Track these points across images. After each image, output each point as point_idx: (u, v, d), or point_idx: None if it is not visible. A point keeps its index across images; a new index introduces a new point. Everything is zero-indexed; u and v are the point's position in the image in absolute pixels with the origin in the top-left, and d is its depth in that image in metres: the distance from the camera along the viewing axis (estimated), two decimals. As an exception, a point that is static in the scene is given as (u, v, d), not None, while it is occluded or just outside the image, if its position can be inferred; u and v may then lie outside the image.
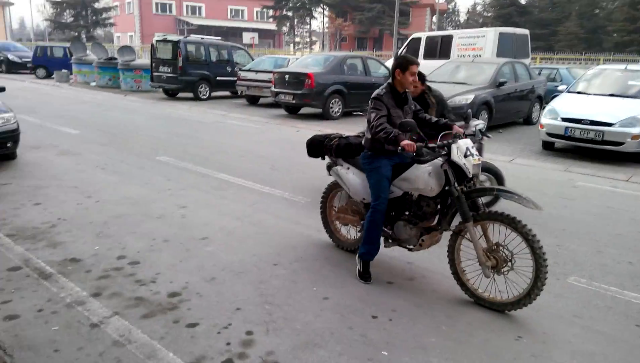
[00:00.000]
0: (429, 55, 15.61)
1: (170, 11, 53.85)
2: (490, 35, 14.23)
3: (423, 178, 3.59)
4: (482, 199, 3.63)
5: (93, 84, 19.49)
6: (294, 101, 12.25)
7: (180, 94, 16.34)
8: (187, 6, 54.69)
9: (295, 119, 12.25)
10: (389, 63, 17.12)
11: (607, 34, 44.86)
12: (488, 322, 3.33)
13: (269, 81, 13.16)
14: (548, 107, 8.58)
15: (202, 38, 16.57)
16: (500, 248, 3.43)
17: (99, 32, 58.34)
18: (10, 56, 24.49)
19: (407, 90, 3.88)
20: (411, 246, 3.86)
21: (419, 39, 16.17)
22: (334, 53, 14.17)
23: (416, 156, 3.48)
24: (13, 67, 24.19)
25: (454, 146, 3.45)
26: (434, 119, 4.01)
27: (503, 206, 4.80)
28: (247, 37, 53.04)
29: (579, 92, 8.90)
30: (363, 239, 3.85)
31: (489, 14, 52.44)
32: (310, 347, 2.96)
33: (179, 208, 5.42)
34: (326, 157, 4.43)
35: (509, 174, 7.35)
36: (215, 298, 3.51)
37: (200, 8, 55.65)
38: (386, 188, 3.72)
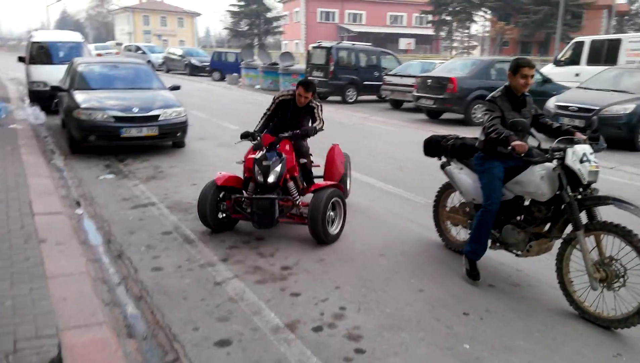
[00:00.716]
0: (593, 60, 14.25)
1: (334, 19, 56.62)
2: (669, 39, 12.51)
3: (535, 181, 3.56)
4: (599, 210, 3.46)
5: (257, 86, 21.56)
6: (434, 106, 12.22)
7: (330, 98, 17.28)
8: (348, 14, 56.98)
9: (435, 124, 12.21)
10: (547, 69, 16.02)
11: None
12: (587, 335, 3.20)
13: (413, 86, 13.29)
14: None
15: (353, 44, 17.34)
16: (613, 262, 3.26)
17: (270, 39, 63.78)
18: (193, 60, 28.26)
19: (525, 94, 3.85)
20: (519, 252, 3.82)
21: (582, 42, 14.83)
22: (482, 57, 13.73)
23: (526, 156, 3.45)
24: (194, 70, 27.87)
25: (569, 150, 3.38)
26: (556, 124, 3.92)
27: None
28: (403, 43, 53.48)
29: None
30: (470, 237, 3.93)
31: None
32: (394, 329, 3.19)
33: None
34: (442, 157, 4.54)
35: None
36: (320, 275, 3.92)
37: (361, 15, 57.56)
38: (498, 189, 3.74)
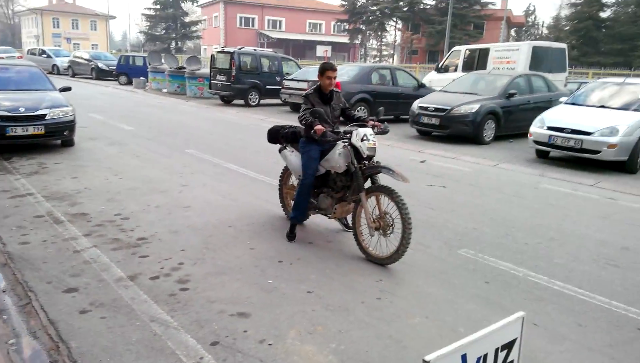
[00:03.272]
0: (468, 67, 16.10)
1: (253, 25, 57.07)
2: (524, 49, 14.54)
3: (335, 157, 4.58)
4: (380, 177, 4.53)
5: (165, 90, 21.82)
6: (324, 108, 13.35)
7: (235, 101, 18.00)
8: (268, 20, 57.74)
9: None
10: (430, 76, 17.79)
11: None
12: (364, 269, 4.23)
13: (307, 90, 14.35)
14: (538, 117, 9.01)
15: (254, 50, 18.22)
16: (386, 215, 4.32)
17: (189, 44, 63.13)
18: (100, 64, 27.84)
19: (334, 90, 4.88)
20: (329, 214, 4.84)
21: (459, 51, 16.70)
22: (364, 65, 15.09)
23: (321, 137, 4.46)
24: (101, 74, 27.47)
25: (354, 132, 4.44)
26: (357, 115, 5.01)
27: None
28: (320, 50, 55.14)
29: (572, 103, 9.23)
30: (293, 205, 4.89)
31: (567, 27, 50.45)
32: (218, 274, 4.05)
33: (181, 186, 6.71)
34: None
35: (490, 177, 8.00)
36: (170, 243, 4.69)
37: (280, 22, 58.52)
38: (312, 167, 4.73)
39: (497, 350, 1.77)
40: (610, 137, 7.86)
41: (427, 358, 1.50)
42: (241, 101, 17.53)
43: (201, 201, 6.03)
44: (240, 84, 16.98)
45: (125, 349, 2.95)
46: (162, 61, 22.84)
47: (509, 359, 1.85)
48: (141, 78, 23.38)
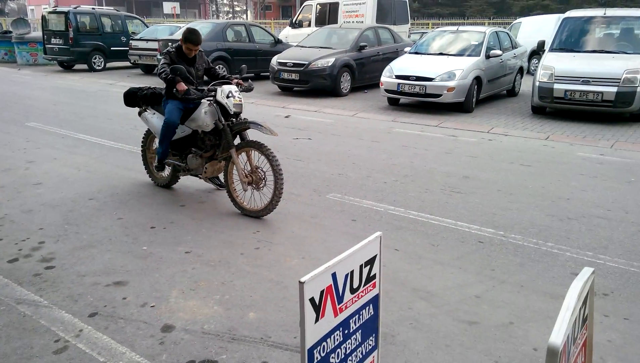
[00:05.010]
0: (321, 22, 16.45)
1: (90, -18, 51.26)
2: (369, 3, 15.26)
3: (202, 116, 4.50)
4: (248, 133, 4.58)
5: (-11, 58, 18.96)
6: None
7: (77, 66, 16.34)
8: (105, -26, 52.27)
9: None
10: (286, 31, 17.87)
11: None
12: (240, 224, 4.32)
13: (157, 50, 13.56)
14: (387, 67, 9.70)
15: (93, 8, 16.57)
16: (258, 169, 4.41)
17: (11, 5, 54.83)
18: None
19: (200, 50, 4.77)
20: (199, 175, 4.79)
21: (311, 6, 16.96)
22: (217, 21, 14.70)
23: (185, 95, 4.36)
24: None
25: (218, 89, 4.39)
26: (222, 74, 4.93)
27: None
28: (168, 7, 51.69)
29: (416, 53, 10.10)
30: (158, 143, 4.86)
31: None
32: (86, 248, 3.83)
33: (27, 162, 6.06)
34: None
35: (350, 126, 8.45)
36: (25, 223, 4.28)
37: (120, -22, 53.30)
38: (176, 112, 4.60)
39: (361, 267, 2.02)
40: (449, 81, 8.78)
41: (302, 279, 1.66)
42: (84, 66, 15.96)
43: (54, 177, 5.54)
44: (80, 47, 15.41)
45: (-11, 338, 2.72)
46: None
47: (372, 273, 2.12)
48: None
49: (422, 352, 2.66)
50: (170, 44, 12.74)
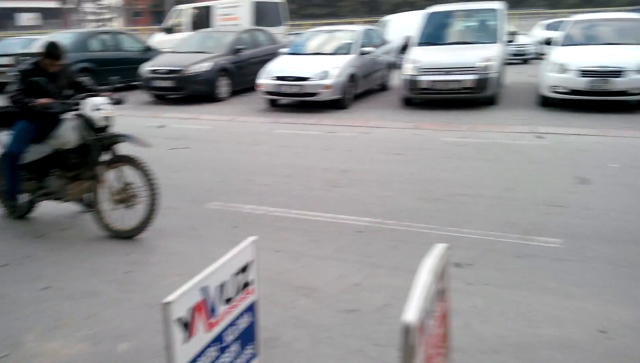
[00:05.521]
0: (196, 26, 15.91)
1: None
2: (245, 5, 15.13)
3: (65, 132, 4.10)
4: (120, 148, 4.24)
5: None
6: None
7: None
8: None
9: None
10: (159, 37, 17.11)
11: (385, -2, 49.86)
12: (108, 248, 3.98)
13: (11, 65, 12.24)
14: (264, 69, 9.70)
15: None
16: (129, 185, 4.10)
17: None
18: None
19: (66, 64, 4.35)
20: (61, 198, 4.34)
21: (181, 10, 16.42)
22: (80, 30, 13.68)
23: (46, 109, 3.95)
24: None
25: (84, 102, 4.02)
26: (90, 86, 4.52)
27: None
28: (24, 19, 47.26)
29: (292, 53, 10.22)
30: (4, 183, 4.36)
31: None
32: None
33: None
34: None
35: (229, 131, 8.28)
36: None
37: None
38: (20, 142, 4.17)
39: (234, 275, 1.95)
40: (325, 80, 8.98)
41: (166, 300, 1.54)
42: None
43: None
44: None
45: None
46: None
47: (248, 280, 2.05)
48: None
49: (306, 349, 2.64)
50: (27, 58, 11.59)
